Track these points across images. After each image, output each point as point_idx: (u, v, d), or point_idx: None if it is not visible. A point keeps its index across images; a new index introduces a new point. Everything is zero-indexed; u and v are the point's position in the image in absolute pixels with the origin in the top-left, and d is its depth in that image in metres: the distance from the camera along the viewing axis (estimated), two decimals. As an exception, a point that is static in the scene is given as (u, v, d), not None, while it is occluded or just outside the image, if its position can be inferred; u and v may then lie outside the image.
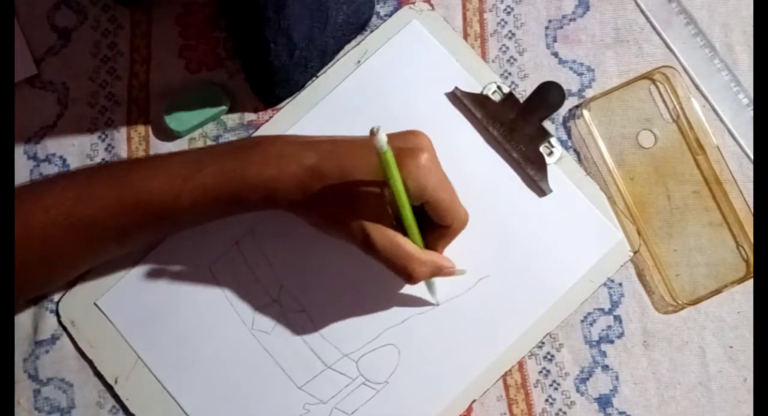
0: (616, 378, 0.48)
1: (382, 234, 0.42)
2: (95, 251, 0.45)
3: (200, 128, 0.51)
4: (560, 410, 0.48)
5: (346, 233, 0.43)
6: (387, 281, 0.49)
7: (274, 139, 0.44)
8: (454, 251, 0.48)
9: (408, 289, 0.48)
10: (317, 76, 0.52)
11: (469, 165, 0.50)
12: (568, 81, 0.51)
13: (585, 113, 0.50)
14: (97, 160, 0.51)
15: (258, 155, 0.42)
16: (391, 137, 0.41)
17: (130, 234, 0.44)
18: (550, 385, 0.49)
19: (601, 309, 0.49)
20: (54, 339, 0.50)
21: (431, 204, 0.42)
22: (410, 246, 0.42)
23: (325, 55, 0.51)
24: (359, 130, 0.50)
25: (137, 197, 0.42)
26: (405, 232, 0.42)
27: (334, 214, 0.43)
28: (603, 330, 0.49)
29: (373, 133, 0.37)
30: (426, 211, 0.42)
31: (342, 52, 0.52)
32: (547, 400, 0.48)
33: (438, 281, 0.47)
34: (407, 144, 0.41)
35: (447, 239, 0.44)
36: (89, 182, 0.43)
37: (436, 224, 0.43)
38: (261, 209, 0.44)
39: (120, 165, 0.45)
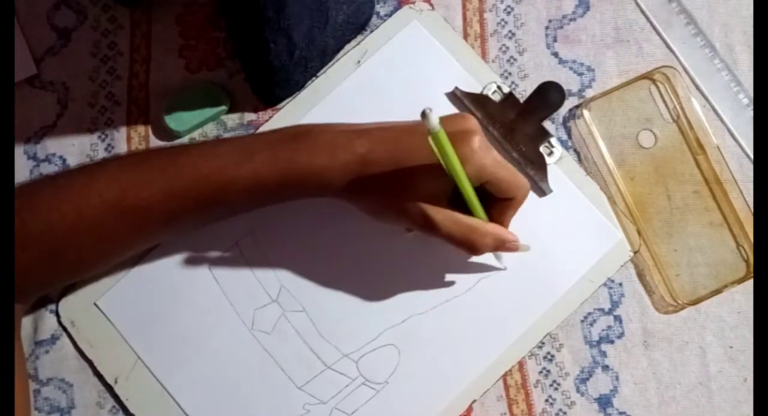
0: (616, 378, 0.48)
1: (442, 213, 0.42)
2: (145, 236, 0.45)
3: (200, 128, 0.51)
4: (560, 410, 0.48)
5: (404, 217, 0.43)
6: (386, 282, 0.49)
7: (324, 127, 0.44)
8: (454, 249, 0.48)
9: (414, 287, 0.49)
10: (317, 76, 0.52)
11: (469, 165, 0.50)
12: (568, 81, 0.51)
13: (585, 112, 0.50)
14: (97, 160, 0.51)
15: (309, 143, 0.42)
16: (441, 121, 0.41)
17: (179, 219, 0.44)
18: (551, 385, 0.49)
19: (602, 309, 0.49)
20: (54, 339, 0.50)
21: (492, 182, 0.42)
22: (471, 220, 0.43)
23: (325, 55, 0.51)
24: (359, 130, 0.50)
25: (188, 182, 0.42)
26: (463, 211, 0.43)
27: (389, 199, 0.43)
28: (603, 330, 0.49)
29: (425, 115, 0.37)
30: (485, 189, 0.42)
31: (342, 52, 0.52)
32: (547, 400, 0.48)
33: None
34: (457, 128, 0.41)
35: (512, 211, 0.44)
36: (141, 167, 0.43)
37: (496, 199, 0.43)
38: (312, 196, 0.44)
39: (172, 149, 0.45)
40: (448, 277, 0.49)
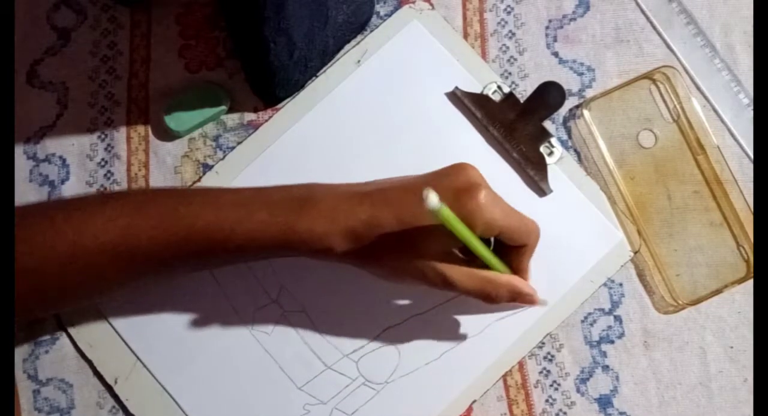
0: (617, 378, 0.48)
1: (455, 269, 0.41)
2: (134, 281, 0.45)
3: (200, 128, 0.51)
4: (560, 410, 0.48)
5: (419, 278, 0.42)
6: (387, 282, 0.49)
7: (326, 192, 0.43)
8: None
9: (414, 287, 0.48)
10: (317, 76, 0.51)
11: (469, 165, 0.50)
12: (568, 81, 0.51)
13: (585, 112, 0.50)
14: (97, 160, 0.51)
15: (310, 209, 0.41)
16: (441, 177, 0.41)
17: (172, 268, 0.44)
18: (551, 385, 0.48)
19: (602, 309, 0.49)
20: (54, 339, 0.49)
21: (504, 233, 0.41)
22: (486, 272, 0.42)
23: (325, 55, 0.51)
24: (359, 130, 0.50)
25: (186, 234, 0.42)
26: (475, 261, 0.42)
27: (399, 262, 0.42)
28: (603, 331, 0.49)
29: (425, 197, 0.36)
30: (497, 239, 0.42)
31: (342, 52, 0.52)
32: (547, 400, 0.48)
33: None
34: (461, 183, 0.41)
35: (527, 256, 0.44)
36: (140, 212, 0.43)
37: (509, 247, 0.43)
38: (312, 258, 0.43)
39: (172, 196, 0.44)
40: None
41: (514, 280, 0.43)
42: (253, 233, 0.41)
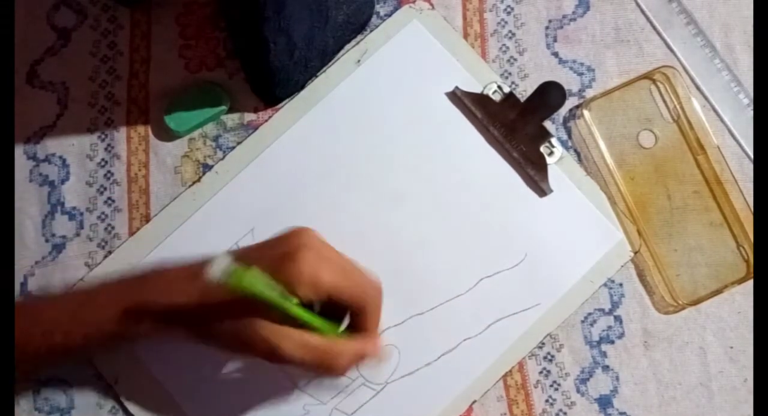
0: (617, 378, 0.48)
1: (289, 339, 0.38)
2: None
3: (200, 128, 0.51)
4: (560, 410, 0.48)
5: (250, 349, 0.39)
6: (386, 282, 0.49)
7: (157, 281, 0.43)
8: (454, 249, 0.48)
9: (414, 287, 0.48)
10: (317, 76, 0.51)
11: (469, 165, 0.50)
12: (568, 81, 0.51)
13: (585, 112, 0.50)
14: (97, 160, 0.51)
15: (143, 305, 0.41)
16: (266, 246, 0.40)
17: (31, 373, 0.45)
18: (551, 386, 0.48)
19: (602, 310, 0.49)
20: (54, 339, 0.50)
21: (335, 295, 0.38)
22: (322, 340, 0.38)
23: (325, 55, 0.51)
24: (359, 130, 0.50)
25: (37, 346, 0.42)
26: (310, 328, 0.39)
27: (230, 334, 0.39)
28: (603, 331, 0.49)
29: (208, 269, 0.35)
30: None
31: (342, 52, 0.52)
32: (547, 401, 0.48)
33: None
34: (285, 249, 0.39)
35: (369, 318, 0.41)
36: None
37: (353, 310, 0.40)
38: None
39: (34, 306, 0.45)
40: (448, 277, 0.49)
41: (353, 343, 0.40)
42: (92, 334, 0.42)
